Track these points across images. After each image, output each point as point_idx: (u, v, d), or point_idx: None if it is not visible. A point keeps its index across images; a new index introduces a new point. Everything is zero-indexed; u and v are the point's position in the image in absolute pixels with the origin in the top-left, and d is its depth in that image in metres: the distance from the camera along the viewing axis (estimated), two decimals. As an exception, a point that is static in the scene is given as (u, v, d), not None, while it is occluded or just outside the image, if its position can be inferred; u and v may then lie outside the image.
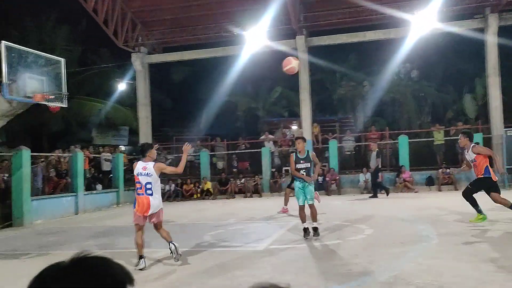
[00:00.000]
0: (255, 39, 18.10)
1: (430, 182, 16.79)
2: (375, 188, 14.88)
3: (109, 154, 18.32)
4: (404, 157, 17.17)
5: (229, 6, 18.65)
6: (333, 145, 18.02)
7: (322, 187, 16.47)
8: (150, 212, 6.42)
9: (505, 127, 16.83)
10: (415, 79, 24.05)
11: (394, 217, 9.82)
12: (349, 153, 19.42)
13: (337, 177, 17.08)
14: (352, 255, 6.35)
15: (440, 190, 16.18)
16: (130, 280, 0.98)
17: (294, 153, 7.94)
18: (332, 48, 20.59)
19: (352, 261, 5.99)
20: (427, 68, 23.54)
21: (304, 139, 8.05)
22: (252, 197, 17.43)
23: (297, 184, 7.81)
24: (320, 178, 16.83)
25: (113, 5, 18.08)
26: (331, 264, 5.93)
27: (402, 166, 16.77)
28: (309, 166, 7.77)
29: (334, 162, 17.73)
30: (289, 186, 10.52)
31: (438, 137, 17.94)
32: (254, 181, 17.82)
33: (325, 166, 17.82)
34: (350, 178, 17.58)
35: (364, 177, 16.63)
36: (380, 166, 15.16)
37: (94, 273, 0.95)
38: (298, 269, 5.73)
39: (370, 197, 14.80)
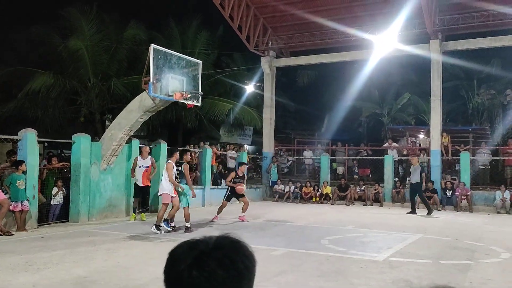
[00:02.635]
0: (385, 44, 17.48)
1: None
2: None
3: (234, 152, 19.32)
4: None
5: (358, 11, 18.32)
6: (464, 157, 16.58)
7: (451, 202, 15.27)
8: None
9: None
10: None
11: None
12: (484, 167, 17.66)
13: (469, 193, 15.67)
14: (484, 278, 5.82)
15: None
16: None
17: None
18: (470, 52, 18.94)
19: (483, 285, 5.49)
20: None
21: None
22: (372, 205, 16.91)
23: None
24: (449, 192, 15.64)
25: (247, 11, 19.07)
26: (461, 286, 5.50)
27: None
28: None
29: (465, 176, 16.28)
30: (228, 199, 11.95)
31: None
32: (375, 189, 17.25)
33: (454, 179, 16.54)
34: (484, 195, 16.00)
35: (501, 194, 15.06)
36: None
37: (238, 248, 1.09)
38: (421, 286, 5.42)
39: None
